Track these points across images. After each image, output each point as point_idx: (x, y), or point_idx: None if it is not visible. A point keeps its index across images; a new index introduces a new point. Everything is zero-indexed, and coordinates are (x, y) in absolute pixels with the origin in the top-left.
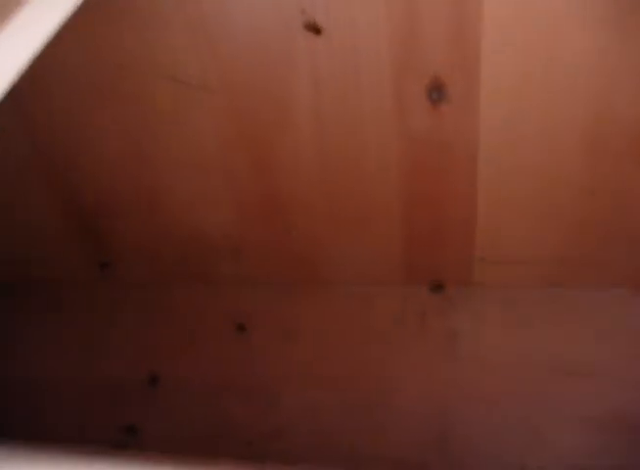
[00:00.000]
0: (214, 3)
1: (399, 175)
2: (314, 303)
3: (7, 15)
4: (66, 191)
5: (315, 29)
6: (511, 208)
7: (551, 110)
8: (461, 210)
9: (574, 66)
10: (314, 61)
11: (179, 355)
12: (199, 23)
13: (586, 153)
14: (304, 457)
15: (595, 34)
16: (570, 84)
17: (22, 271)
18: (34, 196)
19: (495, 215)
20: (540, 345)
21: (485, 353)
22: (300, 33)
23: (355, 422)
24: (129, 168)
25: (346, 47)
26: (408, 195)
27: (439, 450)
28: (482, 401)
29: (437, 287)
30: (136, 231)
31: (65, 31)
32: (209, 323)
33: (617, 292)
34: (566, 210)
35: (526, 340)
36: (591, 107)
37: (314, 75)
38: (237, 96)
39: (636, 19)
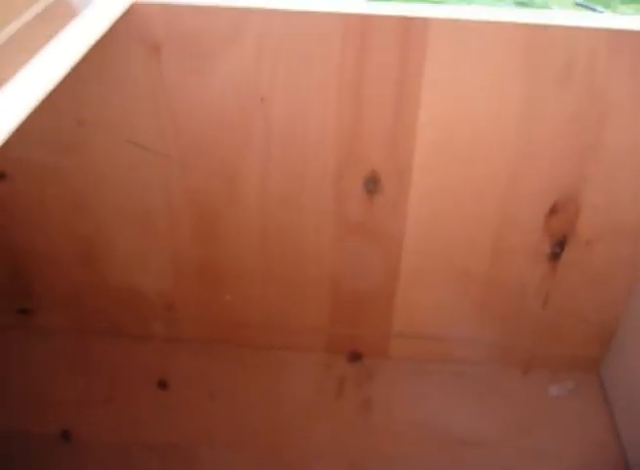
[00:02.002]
0: (179, 82)
1: (331, 254)
2: (239, 364)
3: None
4: None
5: None
6: (426, 290)
7: (468, 211)
8: (383, 289)
9: (487, 183)
10: (267, 145)
11: (96, 409)
12: (162, 93)
13: (492, 248)
14: None
15: (503, 159)
16: (481, 192)
17: None
18: None
19: (412, 296)
20: (441, 415)
21: (395, 422)
22: (257, 118)
23: None
24: (67, 216)
25: (298, 135)
26: (337, 273)
27: None
28: (391, 467)
29: (356, 357)
30: (64, 279)
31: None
32: (131, 378)
33: (510, 371)
34: (472, 297)
35: (430, 410)
36: (497, 211)
37: (265, 158)
38: (191, 165)
39: (544, 131)
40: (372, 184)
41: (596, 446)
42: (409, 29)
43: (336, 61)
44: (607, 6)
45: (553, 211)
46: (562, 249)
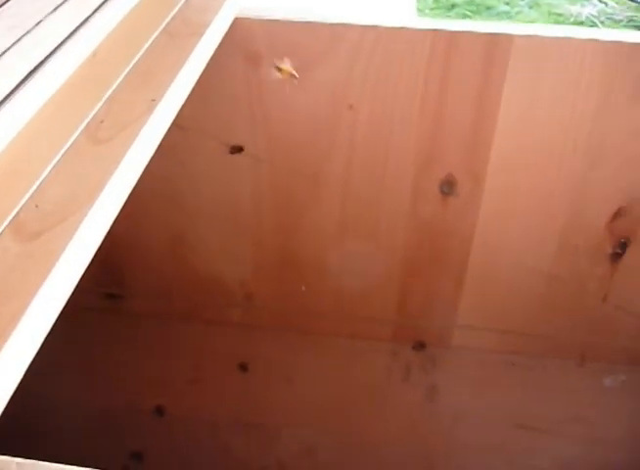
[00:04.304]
0: (275, 91)
1: (403, 251)
2: (313, 351)
3: None
4: None
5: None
6: (491, 286)
7: (537, 213)
8: (450, 284)
9: (556, 187)
10: (351, 148)
11: (184, 388)
12: (258, 100)
13: (557, 247)
14: None
15: (573, 164)
16: (549, 195)
17: None
18: None
19: (478, 292)
20: (502, 402)
21: (458, 406)
22: (344, 124)
23: (347, 461)
24: (162, 209)
25: (380, 140)
26: (408, 268)
27: None
28: (455, 448)
29: (420, 346)
30: (153, 267)
31: None
32: (214, 360)
33: (565, 363)
34: (534, 291)
35: (491, 397)
36: (564, 213)
37: (348, 159)
38: (278, 165)
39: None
40: (447, 186)
41: None
42: (494, 45)
43: (422, 72)
44: None
45: (618, 214)
46: (623, 250)
